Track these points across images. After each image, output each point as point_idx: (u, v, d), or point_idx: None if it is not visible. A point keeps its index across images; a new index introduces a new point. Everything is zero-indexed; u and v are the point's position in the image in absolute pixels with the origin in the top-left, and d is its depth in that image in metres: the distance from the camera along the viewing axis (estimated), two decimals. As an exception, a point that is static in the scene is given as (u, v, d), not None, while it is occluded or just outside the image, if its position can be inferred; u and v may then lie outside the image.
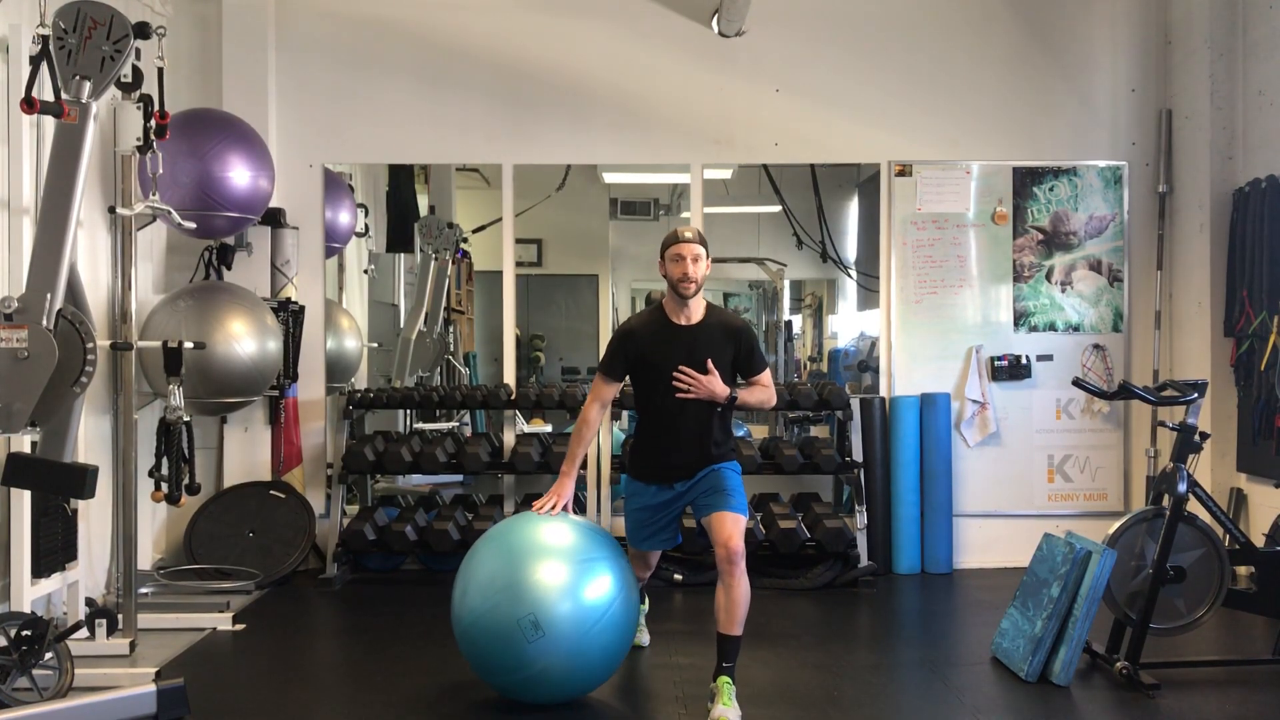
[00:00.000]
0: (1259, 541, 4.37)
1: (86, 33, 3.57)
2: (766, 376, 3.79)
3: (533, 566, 3.44)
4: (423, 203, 7.00)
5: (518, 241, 6.15)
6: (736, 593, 3.50)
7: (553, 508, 3.68)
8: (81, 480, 3.60)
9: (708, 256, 3.65)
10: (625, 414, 6.07)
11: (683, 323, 3.68)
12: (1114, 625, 4.05)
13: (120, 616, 4.22)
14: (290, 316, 5.59)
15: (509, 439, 5.95)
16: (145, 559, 5.33)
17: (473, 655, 3.55)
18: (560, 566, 3.46)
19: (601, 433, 5.53)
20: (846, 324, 6.88)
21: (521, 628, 3.33)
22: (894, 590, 5.49)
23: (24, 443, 3.79)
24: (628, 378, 3.80)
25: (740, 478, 3.74)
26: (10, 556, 3.95)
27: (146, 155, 4.13)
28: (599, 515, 5.63)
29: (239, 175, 5.13)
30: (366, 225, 6.64)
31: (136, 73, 4.02)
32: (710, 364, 3.63)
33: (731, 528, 3.53)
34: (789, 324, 7.14)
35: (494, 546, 3.59)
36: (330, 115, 5.92)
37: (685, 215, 6.17)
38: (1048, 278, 6.00)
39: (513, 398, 5.84)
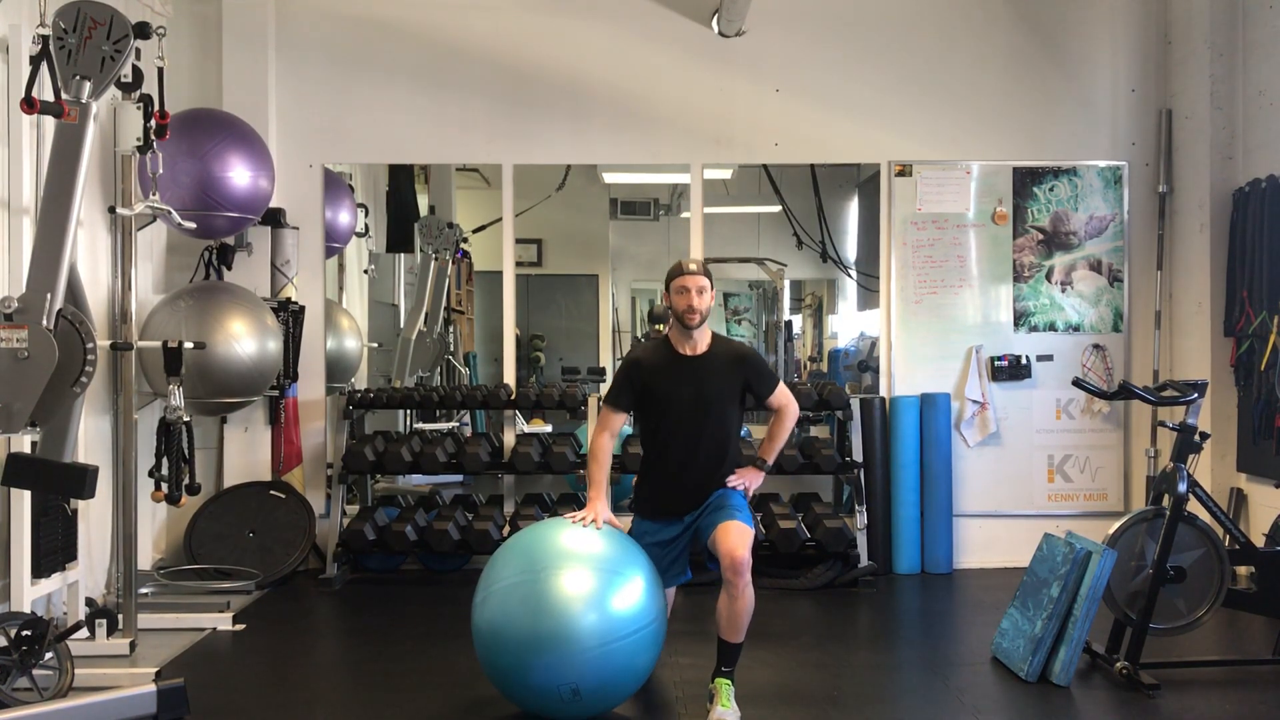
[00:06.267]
0: (1259, 541, 4.37)
1: (86, 33, 3.58)
2: (783, 393, 3.76)
3: (585, 640, 3.26)
4: (423, 203, 6.99)
5: (518, 241, 6.15)
6: (740, 604, 3.46)
7: (593, 521, 3.55)
8: (81, 480, 3.60)
9: (711, 288, 3.64)
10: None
11: (689, 353, 3.66)
12: (1114, 625, 4.05)
13: (120, 616, 4.22)
14: (290, 316, 5.59)
15: (509, 439, 5.95)
16: (145, 559, 5.33)
17: (499, 685, 3.48)
18: (614, 633, 3.31)
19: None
20: (846, 324, 6.88)
21: (560, 694, 3.27)
22: (894, 590, 5.49)
23: (24, 443, 3.79)
24: (632, 412, 3.77)
25: (744, 496, 3.72)
26: (10, 556, 3.94)
27: (146, 155, 4.13)
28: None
29: (239, 175, 5.13)
30: (366, 225, 6.63)
31: (136, 73, 4.01)
32: (738, 479, 3.67)
33: (737, 537, 3.46)
34: (789, 324, 7.14)
35: (536, 580, 3.35)
36: (330, 115, 5.92)
37: (685, 215, 6.17)
38: (1048, 278, 6.00)
39: (513, 398, 5.84)
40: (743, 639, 3.53)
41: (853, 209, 6.68)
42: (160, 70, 4.21)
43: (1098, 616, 3.89)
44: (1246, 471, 5.38)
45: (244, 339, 5.05)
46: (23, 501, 3.91)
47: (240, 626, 4.63)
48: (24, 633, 3.52)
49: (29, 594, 3.91)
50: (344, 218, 6.16)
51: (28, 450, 3.82)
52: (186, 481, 4.51)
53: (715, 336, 3.73)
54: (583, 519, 3.53)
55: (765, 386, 3.72)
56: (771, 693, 3.81)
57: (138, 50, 3.80)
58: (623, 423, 3.76)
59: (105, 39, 3.59)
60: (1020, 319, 6.00)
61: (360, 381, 6.41)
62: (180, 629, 4.53)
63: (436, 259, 6.81)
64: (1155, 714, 3.62)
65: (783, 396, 3.77)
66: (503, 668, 3.37)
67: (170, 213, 4.43)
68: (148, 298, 5.29)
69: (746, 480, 3.70)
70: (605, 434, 3.71)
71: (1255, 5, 5.45)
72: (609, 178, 6.71)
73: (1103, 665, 4.05)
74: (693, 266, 3.63)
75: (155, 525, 5.60)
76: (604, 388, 6.00)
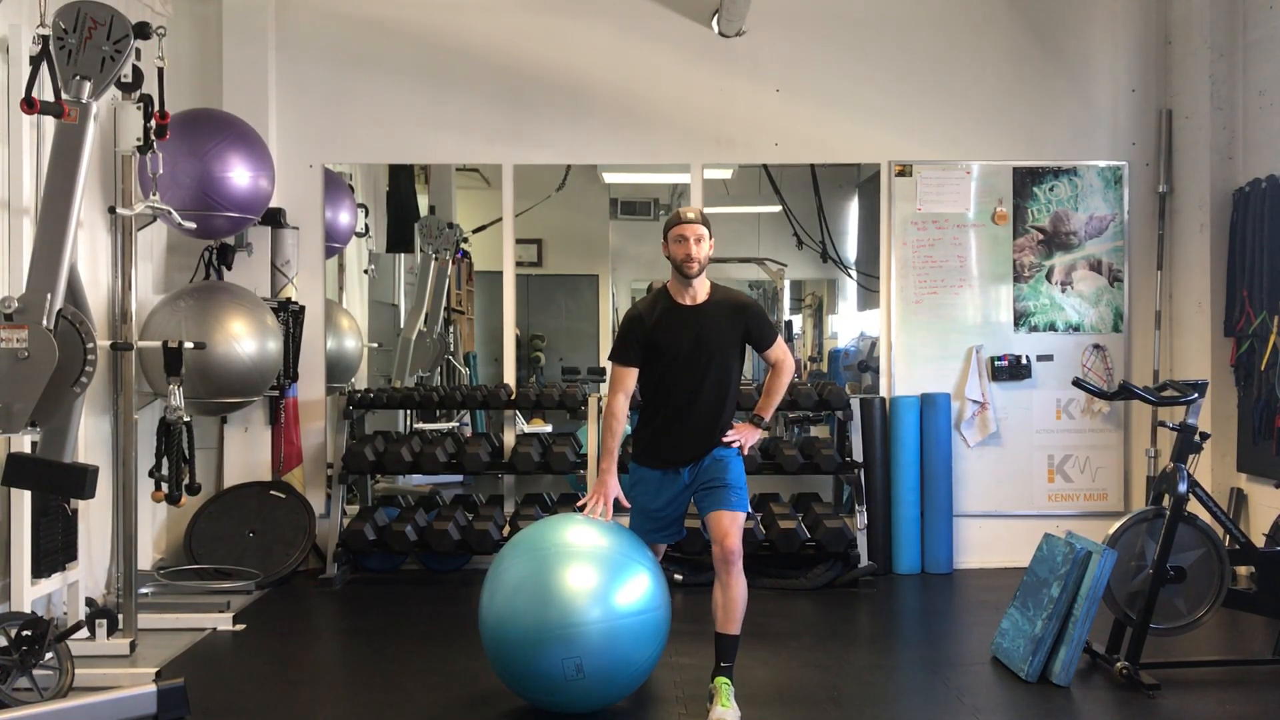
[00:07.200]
0: (1259, 541, 4.37)
1: (86, 33, 3.58)
2: (780, 347, 3.76)
3: (587, 614, 3.33)
4: (423, 203, 7.00)
5: (518, 241, 6.15)
6: (733, 592, 3.50)
7: (602, 512, 3.60)
8: (81, 480, 3.60)
9: (710, 236, 3.62)
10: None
11: (689, 303, 3.64)
12: (1114, 625, 4.05)
13: (120, 616, 4.22)
14: (290, 316, 5.59)
15: (509, 439, 5.95)
16: (145, 559, 5.33)
17: (504, 672, 3.51)
18: (620, 613, 3.37)
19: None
20: (846, 324, 6.89)
21: (564, 669, 3.28)
22: (894, 590, 5.49)
23: (24, 443, 3.79)
24: None
25: (743, 465, 3.72)
26: (10, 556, 3.94)
27: (146, 155, 4.13)
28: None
29: (239, 175, 5.13)
30: (366, 225, 6.64)
31: (136, 73, 4.01)
32: (736, 434, 3.67)
33: (729, 526, 3.51)
34: (789, 324, 7.15)
35: (542, 564, 3.44)
36: (330, 115, 5.92)
37: (685, 215, 6.17)
38: (1048, 278, 6.00)
39: (513, 398, 5.84)
40: (738, 631, 3.54)
41: (853, 209, 6.68)
42: (160, 70, 4.21)
43: (1098, 616, 3.89)
44: (1246, 471, 5.38)
45: (244, 339, 5.05)
46: (23, 501, 3.91)
47: (240, 626, 4.63)
48: (24, 633, 3.52)
49: (29, 594, 3.91)
50: (344, 218, 6.16)
51: (28, 450, 3.82)
52: (186, 481, 4.52)
53: (715, 286, 3.70)
54: (591, 507, 3.58)
55: (765, 337, 3.72)
56: (771, 693, 3.81)
57: (138, 50, 3.80)
58: (635, 378, 3.70)
59: (105, 39, 3.59)
60: (1020, 319, 6.00)
61: (360, 381, 6.41)
62: (180, 629, 4.53)
63: (436, 259, 6.81)
64: (1155, 714, 3.62)
65: (779, 351, 3.76)
66: (510, 653, 3.40)
67: (170, 213, 4.43)
68: (148, 298, 5.29)
69: (744, 437, 3.69)
70: (621, 394, 3.68)
71: (1255, 5, 5.45)
72: (609, 178, 6.71)
73: (1103, 665, 4.05)
74: (691, 215, 3.61)
75: (155, 525, 5.60)
76: (604, 388, 6.01)
